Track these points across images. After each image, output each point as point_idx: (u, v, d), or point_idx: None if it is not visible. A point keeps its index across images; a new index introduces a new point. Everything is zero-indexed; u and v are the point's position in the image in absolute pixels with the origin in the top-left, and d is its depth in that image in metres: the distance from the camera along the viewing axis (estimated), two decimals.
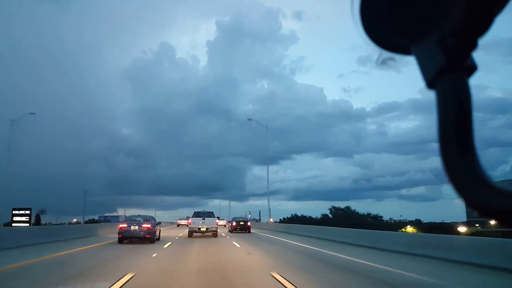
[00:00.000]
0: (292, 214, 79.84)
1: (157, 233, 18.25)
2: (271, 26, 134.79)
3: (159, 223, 21.10)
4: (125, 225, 16.90)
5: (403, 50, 0.63)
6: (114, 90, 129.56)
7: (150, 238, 16.48)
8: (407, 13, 0.60)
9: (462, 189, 0.53)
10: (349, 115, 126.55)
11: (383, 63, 0.66)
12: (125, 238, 16.61)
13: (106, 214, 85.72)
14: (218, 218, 24.45)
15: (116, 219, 75.24)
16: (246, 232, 27.54)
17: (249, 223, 29.12)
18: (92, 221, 78.37)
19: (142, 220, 17.21)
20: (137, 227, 16.59)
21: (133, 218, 17.73)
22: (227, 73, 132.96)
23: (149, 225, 16.77)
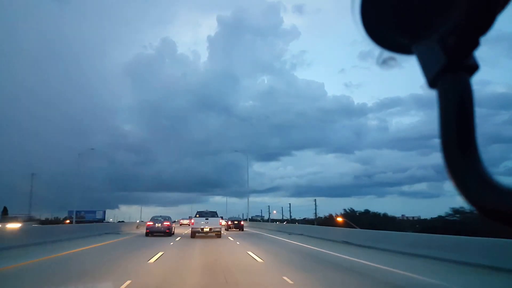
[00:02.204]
0: (346, 210, 54.96)
1: (173, 229, 23.96)
2: (272, 21, 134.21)
3: (174, 221, 28.02)
4: (152, 223, 22.44)
5: (404, 49, 0.63)
6: (115, 86, 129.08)
7: (169, 233, 22.29)
8: (408, 12, 0.60)
9: (464, 188, 0.53)
10: (350, 111, 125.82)
11: (384, 62, 0.66)
12: (151, 232, 21.96)
13: (80, 209, 62.91)
14: (222, 217, 23.85)
15: (92, 215, 63.06)
16: (239, 230, 32.08)
17: (242, 223, 34.59)
18: (55, 221, 57.56)
19: (162, 220, 22.79)
20: (159, 224, 22.27)
21: (155, 218, 23.14)
22: (228, 68, 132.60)
23: (168, 223, 22.53)
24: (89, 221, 56.33)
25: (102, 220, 62.82)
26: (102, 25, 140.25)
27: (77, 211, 63.67)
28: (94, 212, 66.32)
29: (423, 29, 0.58)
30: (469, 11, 0.53)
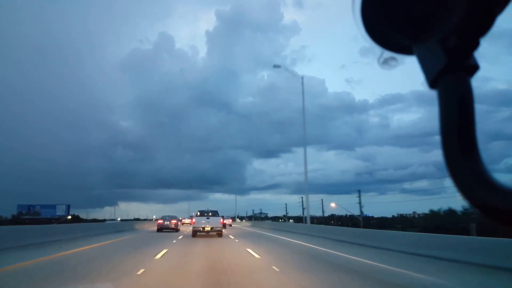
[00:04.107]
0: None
1: (179, 226, 29.35)
2: (272, 16, 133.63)
3: (180, 219, 33.90)
4: (162, 221, 27.66)
5: (405, 50, 0.63)
6: (111, 81, 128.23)
7: (175, 229, 27.60)
8: (408, 13, 0.60)
9: (465, 188, 0.53)
10: (351, 107, 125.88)
11: (385, 62, 0.66)
12: (161, 229, 27.00)
13: (34, 203, 49.34)
14: (223, 217, 23.99)
15: (51, 211, 47.38)
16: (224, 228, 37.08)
17: (226, 221, 40.67)
18: None
19: (170, 218, 28.02)
20: (168, 222, 27.53)
21: (164, 217, 28.33)
22: (227, 64, 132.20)
23: (175, 221, 27.91)
24: (46, 219, 41.26)
25: (63, 217, 47.27)
26: (98, 18, 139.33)
27: (30, 206, 49.22)
28: (54, 206, 49.29)
29: (424, 30, 0.59)
30: (469, 11, 0.53)
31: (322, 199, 58.10)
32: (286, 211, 71.97)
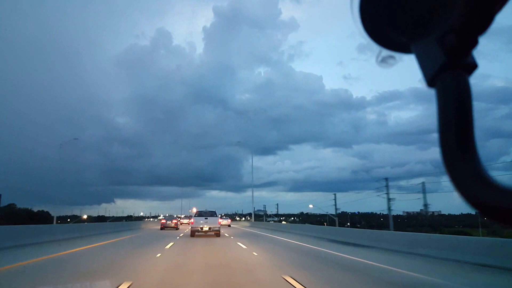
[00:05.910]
0: None
1: (179, 225, 34.75)
2: (270, 12, 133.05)
3: (179, 218, 42.13)
4: (164, 221, 33.95)
5: (403, 48, 0.63)
6: (109, 77, 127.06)
7: (176, 228, 32.79)
8: (407, 11, 0.60)
9: (462, 187, 0.53)
10: (348, 104, 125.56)
11: (383, 61, 0.66)
12: (164, 227, 32.50)
13: None
14: (221, 217, 24.41)
15: None
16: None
17: (226, 222, 44.38)
18: None
19: (171, 219, 34.52)
20: (170, 222, 33.35)
21: (166, 217, 34.40)
22: (224, 60, 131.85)
23: (176, 221, 33.63)
24: None
25: None
26: (94, 13, 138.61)
27: None
28: None
29: (422, 28, 0.59)
30: (468, 10, 0.53)
31: (386, 184, 39.27)
32: (337, 207, 46.59)
